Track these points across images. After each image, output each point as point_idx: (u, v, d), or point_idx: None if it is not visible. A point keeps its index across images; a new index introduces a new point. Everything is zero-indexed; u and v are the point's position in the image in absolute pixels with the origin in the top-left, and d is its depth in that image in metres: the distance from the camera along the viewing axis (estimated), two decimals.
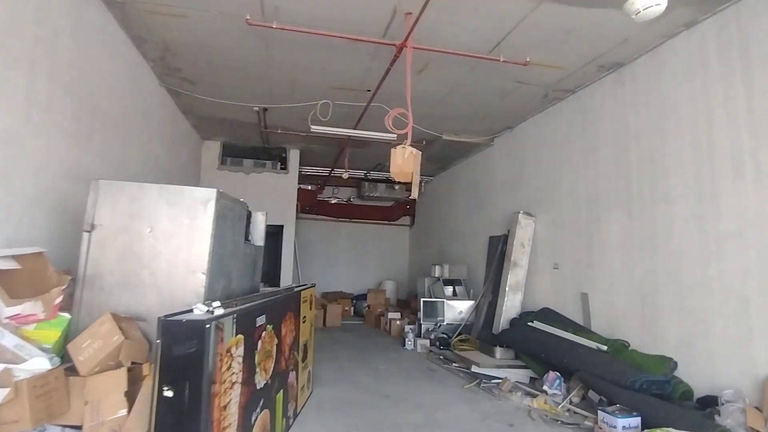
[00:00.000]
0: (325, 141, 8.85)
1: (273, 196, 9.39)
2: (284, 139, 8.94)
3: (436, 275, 9.15)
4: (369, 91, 6.13)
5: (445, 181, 10.97)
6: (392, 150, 4.24)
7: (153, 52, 5.31)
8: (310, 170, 11.20)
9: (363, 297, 11.79)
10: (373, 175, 11.58)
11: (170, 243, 2.99)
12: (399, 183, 11.22)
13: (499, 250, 7.61)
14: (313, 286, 5.52)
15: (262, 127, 7.76)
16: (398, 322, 9.15)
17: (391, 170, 4.26)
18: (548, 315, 6.05)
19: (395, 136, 6.87)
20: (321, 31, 4.43)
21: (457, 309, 8.16)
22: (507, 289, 6.81)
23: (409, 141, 4.28)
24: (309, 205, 11.28)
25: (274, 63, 5.51)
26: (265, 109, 7.19)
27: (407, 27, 4.24)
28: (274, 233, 11.52)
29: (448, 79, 5.90)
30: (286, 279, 9.30)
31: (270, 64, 5.53)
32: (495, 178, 8.35)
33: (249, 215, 4.92)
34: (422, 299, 8.31)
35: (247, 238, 4.08)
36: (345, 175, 8.51)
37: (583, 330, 5.48)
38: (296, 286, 5.07)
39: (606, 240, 5.43)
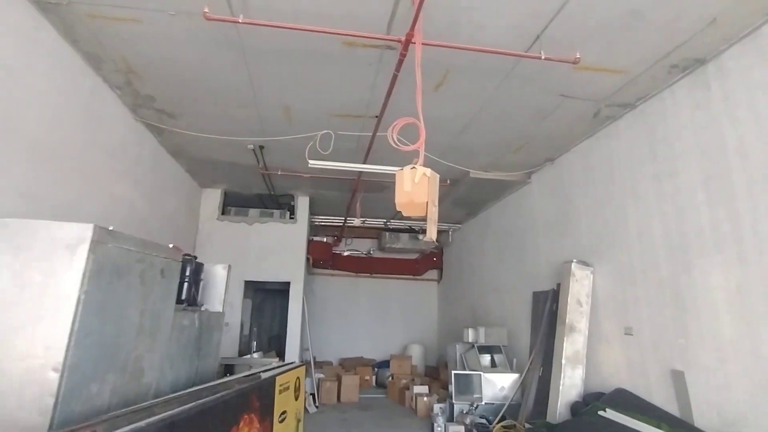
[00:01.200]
0: (336, 185, 7.80)
1: (279, 248, 8.28)
2: (290, 184, 7.95)
3: (470, 340, 7.58)
4: (377, 117, 5.06)
5: (475, 229, 9.62)
6: (398, 173, 3.01)
7: (115, 76, 4.45)
8: (322, 220, 10.12)
9: (386, 364, 10.21)
10: (394, 223, 10.38)
11: (7, 316, 1.79)
12: (417, 222, 9.98)
13: (547, 309, 6.09)
14: (302, 365, 4.20)
15: (261, 169, 6.78)
16: (426, 398, 7.51)
17: (396, 200, 3.00)
18: (626, 401, 4.43)
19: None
20: (303, 26, 3.42)
21: (498, 384, 6.53)
22: (563, 361, 5.23)
23: (420, 160, 3.05)
24: (323, 258, 10.10)
25: (258, 83, 4.54)
26: (262, 148, 6.23)
27: (414, 11, 3.16)
28: (280, 291, 10.40)
29: (473, 97, 4.77)
30: (293, 346, 7.93)
31: (254, 84, 4.57)
32: (535, 222, 6.97)
33: (198, 269, 3.76)
34: (453, 372, 6.73)
35: (191, 303, 2.90)
36: (357, 221, 7.33)
37: (682, 426, 3.84)
38: (269, 369, 3.77)
39: (704, 297, 3.91)
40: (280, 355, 8.01)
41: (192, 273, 3.63)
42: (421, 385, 8.28)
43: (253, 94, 4.76)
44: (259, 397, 2.85)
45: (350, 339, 11.30)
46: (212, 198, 8.29)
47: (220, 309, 3.49)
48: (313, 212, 9.80)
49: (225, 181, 7.97)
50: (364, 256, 11.70)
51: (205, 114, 5.26)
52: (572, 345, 5.29)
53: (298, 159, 6.52)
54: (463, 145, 6.05)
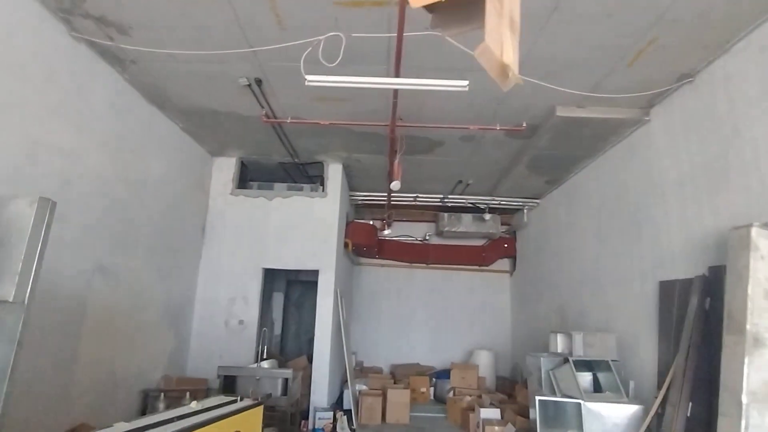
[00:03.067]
0: (370, 142, 5.98)
1: (305, 229, 6.62)
2: (314, 144, 6.26)
3: (558, 350, 5.41)
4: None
5: (560, 202, 7.33)
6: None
7: None
8: (364, 197, 8.34)
9: (447, 374, 8.26)
10: (453, 200, 8.35)
11: None
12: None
13: (692, 307, 3.81)
14: (256, 405, 2.41)
15: (265, 116, 5.11)
16: (497, 428, 5.47)
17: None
18: None
19: (466, 85, 3.75)
20: None
21: (608, 419, 4.35)
22: (744, 399, 2.97)
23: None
24: (367, 244, 8.34)
25: None
26: (259, 83, 4.56)
27: None
28: (305, 282, 8.73)
29: None
30: (322, 350, 6.22)
31: None
32: (659, 179, 4.66)
33: None
34: (538, 397, 4.63)
35: None
36: (395, 185, 5.43)
37: None
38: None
39: None
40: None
41: None
42: (491, 407, 6.21)
43: None
44: None
45: (404, 342, 9.44)
46: (226, 169, 6.82)
47: (12, 290, 1.83)
48: (352, 187, 8.07)
49: (237, 145, 6.44)
50: (419, 242, 9.78)
51: (166, 24, 3.66)
52: (760, 370, 3.01)
53: (310, 100, 4.80)
54: (545, 56, 3.94)
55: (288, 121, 5.13)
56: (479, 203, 8.48)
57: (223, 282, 6.39)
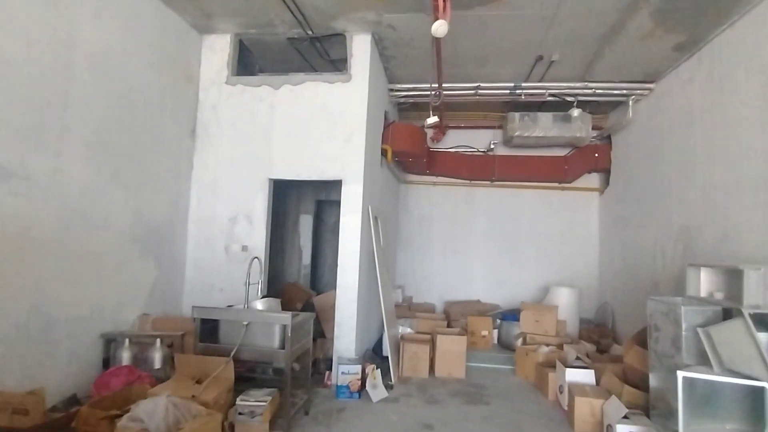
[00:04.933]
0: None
1: (322, 126, 4.90)
2: (329, 3, 4.34)
3: (700, 292, 3.45)
4: None
5: (694, 77, 4.92)
6: None
7: None
8: (408, 91, 6.37)
9: (516, 314, 6.63)
10: (530, 89, 6.16)
11: None
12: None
13: None
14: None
15: None
16: (593, 402, 3.77)
17: None
18: None
19: None
20: None
21: None
22: None
23: None
24: (415, 154, 6.49)
25: None
26: None
27: None
28: (320, 198, 7.09)
29: None
30: (348, 284, 4.70)
31: None
32: None
33: None
34: (682, 374, 2.80)
35: None
36: (439, 28, 3.45)
37: None
38: None
39: None
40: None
41: None
42: (579, 366, 4.48)
43: None
44: None
45: (461, 275, 7.80)
46: (219, 51, 5.12)
47: None
48: (391, 78, 6.12)
49: (229, 13, 4.68)
50: (481, 154, 7.75)
51: None
52: None
53: None
54: None
55: None
56: (565, 94, 6.22)
57: (221, 197, 4.95)
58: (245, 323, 3.42)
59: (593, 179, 7.68)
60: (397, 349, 5.24)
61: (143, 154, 4.23)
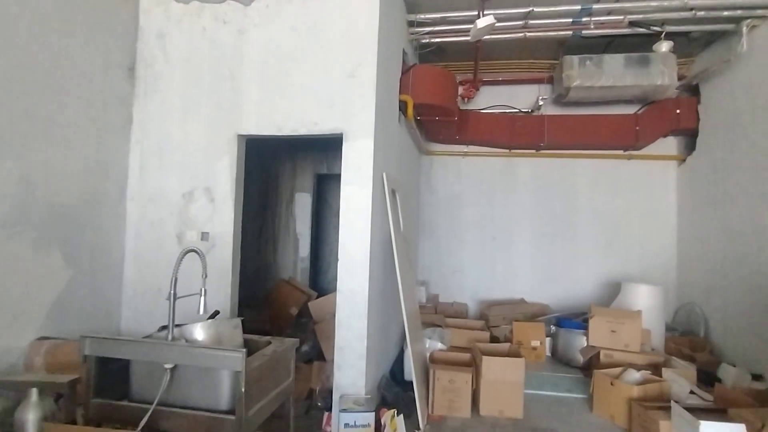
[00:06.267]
0: None
1: (311, 56, 3.34)
2: None
3: None
4: None
5: None
6: None
7: None
8: (436, 24, 4.75)
9: (576, 320, 5.12)
10: (600, 18, 4.51)
11: None
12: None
13: None
14: None
15: None
16: None
17: None
18: None
19: None
20: None
21: None
22: None
23: None
24: (444, 108, 4.88)
25: None
26: None
27: None
28: (321, 172, 5.52)
29: None
30: (353, 288, 3.18)
31: None
32: None
33: None
34: None
35: None
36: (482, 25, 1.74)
37: None
38: None
39: None
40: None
41: None
42: (710, 407, 2.90)
43: None
44: None
45: (501, 268, 6.24)
46: None
47: None
48: (411, 7, 4.52)
49: None
50: (524, 114, 6.11)
51: None
52: None
53: None
54: None
55: None
56: (653, 21, 4.54)
57: (172, 164, 3.47)
58: (168, 366, 1.94)
59: (669, 144, 5.98)
60: (425, 375, 3.73)
61: (40, 98, 2.75)
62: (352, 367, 3.13)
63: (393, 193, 3.64)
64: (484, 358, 3.65)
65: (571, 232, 6.13)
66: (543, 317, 5.45)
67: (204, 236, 3.34)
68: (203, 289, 2.19)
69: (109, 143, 3.33)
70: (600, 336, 4.40)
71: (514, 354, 3.95)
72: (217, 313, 2.38)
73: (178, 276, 2.10)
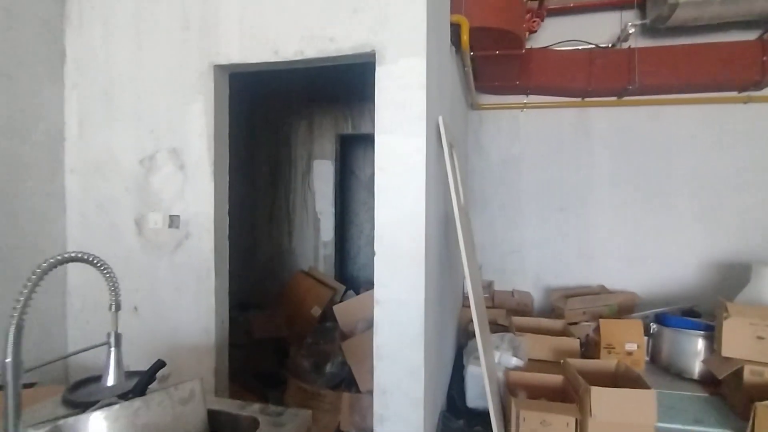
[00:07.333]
0: None
1: None
2: None
3: None
4: None
5: None
6: None
7: None
8: None
9: (681, 315, 3.88)
10: None
11: None
12: None
13: None
14: None
15: None
16: None
17: None
18: None
19: None
20: None
21: None
22: None
23: None
24: (512, 38, 3.57)
25: None
26: None
27: None
28: (343, 132, 4.29)
29: None
30: (400, 298, 2.03)
31: None
32: None
33: None
34: None
35: None
36: None
37: None
38: None
39: None
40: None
41: None
42: None
43: None
44: None
45: (572, 248, 4.98)
46: None
47: None
48: None
49: None
50: (606, 49, 4.70)
51: None
52: None
53: None
54: None
55: None
56: None
57: (123, 115, 2.35)
58: None
59: None
60: (499, 404, 2.59)
61: None
62: (400, 419, 2.00)
63: (451, 148, 2.42)
64: (593, 389, 2.47)
65: (663, 200, 4.79)
66: (639, 313, 4.20)
67: (173, 220, 2.23)
68: (113, 335, 1.08)
69: (31, 90, 2.23)
70: (739, 344, 3.14)
71: (626, 376, 2.75)
72: (159, 367, 1.28)
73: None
